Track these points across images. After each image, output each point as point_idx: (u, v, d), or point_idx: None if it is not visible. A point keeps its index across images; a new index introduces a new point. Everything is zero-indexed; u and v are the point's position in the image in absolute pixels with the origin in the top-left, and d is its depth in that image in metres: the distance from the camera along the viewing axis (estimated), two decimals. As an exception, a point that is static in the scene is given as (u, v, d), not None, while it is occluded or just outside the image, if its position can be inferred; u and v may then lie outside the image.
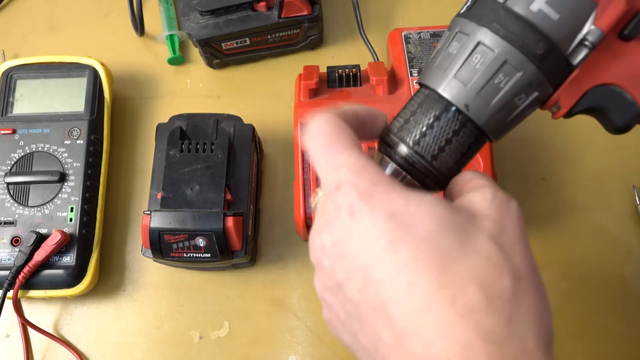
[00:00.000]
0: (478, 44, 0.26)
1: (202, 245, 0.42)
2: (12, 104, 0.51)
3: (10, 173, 0.48)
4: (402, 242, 0.23)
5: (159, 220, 0.41)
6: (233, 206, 0.44)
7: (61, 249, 0.46)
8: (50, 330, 0.48)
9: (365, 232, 0.24)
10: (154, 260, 0.46)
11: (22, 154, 0.49)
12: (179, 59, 0.56)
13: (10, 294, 0.45)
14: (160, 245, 0.42)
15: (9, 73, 0.51)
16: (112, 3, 0.59)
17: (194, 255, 0.42)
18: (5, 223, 0.47)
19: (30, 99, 0.51)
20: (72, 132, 0.49)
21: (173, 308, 0.49)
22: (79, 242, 0.47)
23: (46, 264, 0.46)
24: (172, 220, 0.41)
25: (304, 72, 0.48)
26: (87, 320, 0.49)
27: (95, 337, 0.48)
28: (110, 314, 0.49)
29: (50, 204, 0.47)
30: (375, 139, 0.30)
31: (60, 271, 0.46)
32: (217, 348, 0.47)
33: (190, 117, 0.47)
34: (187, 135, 0.45)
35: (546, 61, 0.26)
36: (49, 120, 0.50)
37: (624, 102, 0.29)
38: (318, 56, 0.56)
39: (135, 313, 0.49)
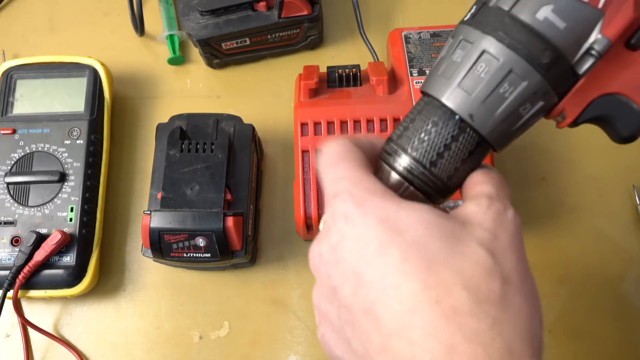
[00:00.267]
0: (483, 52, 0.26)
1: (202, 245, 0.42)
2: (12, 103, 0.51)
3: (10, 173, 0.48)
4: (391, 245, 0.24)
5: (159, 220, 0.41)
6: (233, 206, 0.44)
7: (61, 249, 0.46)
8: (50, 330, 0.48)
9: (358, 237, 0.25)
10: (154, 260, 0.46)
11: (22, 153, 0.49)
12: (179, 59, 0.56)
13: (10, 293, 0.45)
14: (160, 245, 0.42)
15: (9, 73, 0.51)
16: (112, 3, 0.59)
17: (194, 255, 0.42)
18: (5, 223, 0.47)
19: (30, 98, 0.51)
20: (72, 132, 0.49)
21: (173, 308, 0.49)
22: (79, 242, 0.47)
23: (46, 264, 0.46)
24: (172, 220, 0.41)
25: (304, 72, 0.48)
26: (87, 320, 0.49)
27: (95, 337, 0.48)
28: (110, 314, 0.49)
29: (50, 204, 0.47)
30: None
31: (60, 271, 0.46)
32: (217, 348, 0.47)
33: (190, 117, 0.47)
34: (187, 135, 0.45)
35: (552, 70, 0.25)
36: (49, 120, 0.50)
37: (630, 111, 0.28)
38: (318, 56, 0.56)
39: (135, 313, 0.49)
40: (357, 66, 0.48)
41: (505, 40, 0.25)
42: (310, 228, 0.46)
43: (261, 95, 0.55)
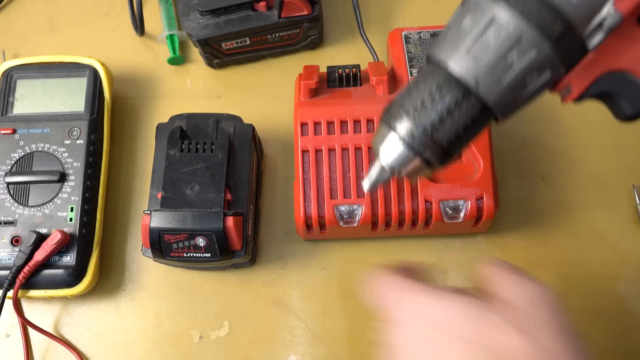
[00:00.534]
0: (493, 19, 0.25)
1: (202, 245, 0.42)
2: (12, 103, 0.51)
3: (10, 173, 0.48)
4: (436, 343, 0.25)
5: (159, 220, 0.41)
6: (233, 206, 0.44)
7: (61, 248, 0.46)
8: (50, 330, 0.48)
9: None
10: (154, 260, 0.46)
11: (22, 153, 0.49)
12: (179, 59, 0.56)
13: (10, 293, 0.45)
14: (160, 245, 0.42)
15: (9, 73, 0.51)
16: (112, 3, 0.59)
17: (194, 255, 0.42)
18: (5, 223, 0.47)
19: (30, 98, 0.51)
20: (72, 132, 0.49)
21: (173, 308, 0.49)
22: (79, 242, 0.47)
23: (46, 263, 0.46)
24: (172, 220, 0.41)
25: (304, 72, 0.48)
26: (87, 320, 0.49)
27: (95, 337, 0.48)
28: (110, 314, 0.49)
29: (50, 204, 0.47)
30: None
31: (60, 271, 0.46)
32: (217, 348, 0.47)
33: (190, 117, 0.47)
34: (187, 135, 0.45)
35: (562, 41, 0.25)
36: (49, 120, 0.50)
37: (636, 89, 0.28)
38: (318, 56, 0.56)
39: (135, 313, 0.49)
40: (357, 66, 0.48)
41: (517, 7, 0.25)
42: (310, 228, 0.46)
43: (261, 95, 0.55)
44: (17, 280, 0.45)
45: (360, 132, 0.45)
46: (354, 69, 0.48)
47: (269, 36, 0.53)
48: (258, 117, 0.51)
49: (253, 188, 0.47)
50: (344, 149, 0.45)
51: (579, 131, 0.52)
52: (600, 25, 0.25)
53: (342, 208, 0.44)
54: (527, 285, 0.26)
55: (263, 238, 0.50)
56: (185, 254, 0.42)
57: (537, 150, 0.52)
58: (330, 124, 0.45)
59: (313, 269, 0.49)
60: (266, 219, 0.51)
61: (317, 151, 0.45)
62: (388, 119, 0.28)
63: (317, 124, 0.46)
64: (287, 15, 0.50)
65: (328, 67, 0.48)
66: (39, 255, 0.45)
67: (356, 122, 0.45)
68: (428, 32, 0.49)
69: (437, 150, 0.27)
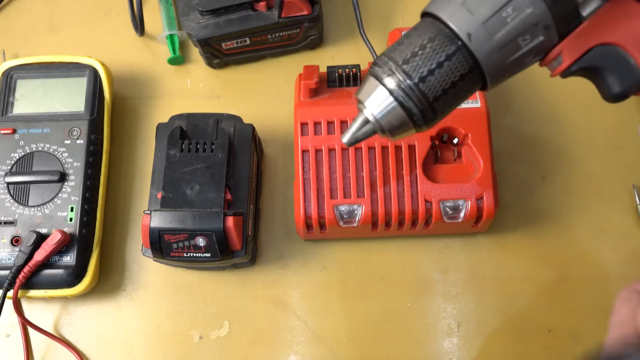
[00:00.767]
0: None
1: (202, 245, 0.42)
2: (12, 103, 0.51)
3: (10, 173, 0.48)
4: None
5: (159, 220, 0.41)
6: (233, 206, 0.44)
7: (61, 248, 0.46)
8: (50, 330, 0.48)
9: None
10: (154, 260, 0.46)
11: (22, 153, 0.49)
12: (179, 59, 0.56)
13: (10, 293, 0.45)
14: (160, 245, 0.42)
15: (9, 73, 0.51)
16: (112, 3, 0.59)
17: (194, 255, 0.42)
18: (6, 223, 0.47)
19: (30, 98, 0.51)
20: (72, 132, 0.49)
21: (173, 308, 0.49)
22: (79, 242, 0.47)
23: (46, 263, 0.46)
24: (172, 220, 0.41)
25: (304, 71, 0.48)
26: (87, 320, 0.49)
27: (95, 337, 0.48)
28: (110, 314, 0.49)
29: (51, 204, 0.47)
30: None
31: (60, 271, 0.46)
32: (217, 348, 0.47)
33: (190, 117, 0.47)
34: (187, 135, 0.45)
35: (558, 3, 0.25)
36: (49, 120, 0.50)
37: (626, 66, 0.28)
38: (318, 56, 0.56)
39: (135, 313, 0.49)
40: (357, 66, 0.48)
41: None
42: (310, 228, 0.46)
43: (261, 95, 0.55)
44: (17, 280, 0.45)
45: (360, 132, 0.45)
46: (354, 69, 0.48)
47: (269, 36, 0.53)
48: (258, 117, 0.51)
49: (253, 188, 0.47)
50: (344, 149, 0.45)
51: (579, 131, 0.52)
52: None
53: (342, 208, 0.44)
54: None
55: (263, 238, 0.50)
56: (185, 254, 0.42)
57: (537, 150, 0.52)
58: (330, 124, 0.45)
59: (313, 269, 0.49)
60: (266, 219, 0.51)
61: (317, 151, 0.45)
62: (375, 70, 0.28)
63: (317, 124, 0.46)
64: (287, 15, 0.50)
65: (328, 67, 0.48)
66: (39, 255, 0.45)
67: (356, 122, 0.45)
68: (428, 32, 0.49)
69: (422, 103, 0.27)
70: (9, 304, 0.47)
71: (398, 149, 0.45)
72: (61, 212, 0.47)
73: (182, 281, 0.49)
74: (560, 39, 0.27)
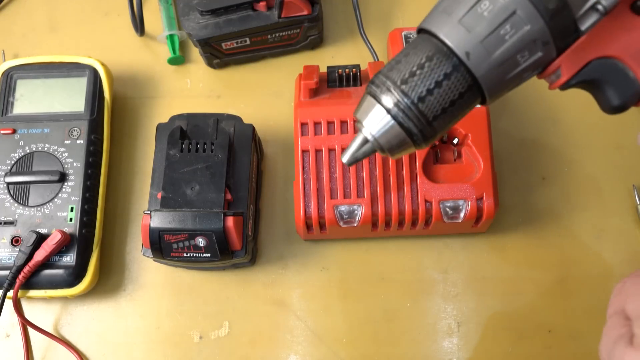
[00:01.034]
0: None
1: (202, 245, 0.42)
2: (12, 103, 0.51)
3: (10, 173, 0.48)
4: None
5: (159, 220, 0.41)
6: (233, 206, 0.44)
7: (61, 248, 0.46)
8: (50, 330, 0.48)
9: None
10: (154, 260, 0.46)
11: (22, 153, 0.49)
12: (179, 59, 0.56)
13: (10, 293, 0.45)
14: (160, 245, 0.42)
15: (9, 73, 0.51)
16: (112, 3, 0.59)
17: (194, 255, 0.42)
18: (5, 223, 0.47)
19: (30, 98, 0.51)
20: (72, 132, 0.49)
21: (173, 308, 0.49)
22: (79, 242, 0.47)
23: (46, 263, 0.46)
24: (172, 220, 0.41)
25: (304, 72, 0.48)
26: (87, 320, 0.49)
27: (95, 337, 0.48)
28: (110, 314, 0.49)
29: (50, 204, 0.47)
30: None
31: (60, 271, 0.46)
32: (217, 348, 0.47)
33: (190, 117, 0.47)
34: (187, 135, 0.45)
35: (556, 19, 0.25)
36: (49, 120, 0.50)
37: (624, 79, 0.28)
38: (318, 56, 0.56)
39: (135, 313, 0.49)
40: (357, 66, 0.48)
41: None
42: (310, 228, 0.46)
43: (261, 95, 0.55)
44: (17, 280, 0.45)
45: (360, 132, 0.45)
46: (354, 69, 0.48)
47: (269, 36, 0.53)
48: (258, 117, 0.51)
49: (253, 188, 0.47)
50: (344, 149, 0.45)
51: (579, 131, 0.52)
52: (595, 6, 0.25)
53: (342, 208, 0.44)
54: None
55: (263, 238, 0.50)
56: (185, 254, 0.42)
57: (537, 150, 0.52)
58: (330, 124, 0.45)
59: (313, 269, 0.49)
60: (266, 219, 0.51)
61: (317, 151, 0.45)
62: (373, 90, 0.28)
63: (317, 124, 0.46)
64: (287, 15, 0.50)
65: (328, 67, 0.48)
66: (39, 255, 0.45)
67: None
68: (428, 32, 0.49)
69: (422, 123, 0.27)
70: (9, 304, 0.47)
71: (398, 149, 0.45)
72: (61, 212, 0.47)
73: (182, 281, 0.49)
74: (558, 53, 0.26)
